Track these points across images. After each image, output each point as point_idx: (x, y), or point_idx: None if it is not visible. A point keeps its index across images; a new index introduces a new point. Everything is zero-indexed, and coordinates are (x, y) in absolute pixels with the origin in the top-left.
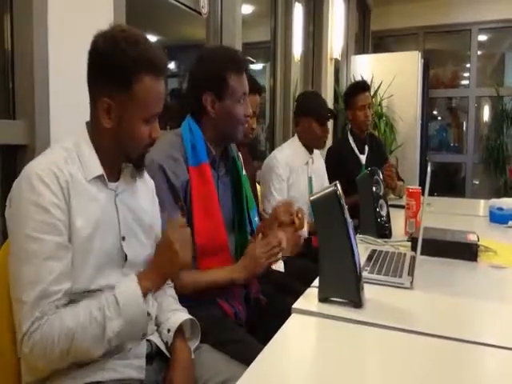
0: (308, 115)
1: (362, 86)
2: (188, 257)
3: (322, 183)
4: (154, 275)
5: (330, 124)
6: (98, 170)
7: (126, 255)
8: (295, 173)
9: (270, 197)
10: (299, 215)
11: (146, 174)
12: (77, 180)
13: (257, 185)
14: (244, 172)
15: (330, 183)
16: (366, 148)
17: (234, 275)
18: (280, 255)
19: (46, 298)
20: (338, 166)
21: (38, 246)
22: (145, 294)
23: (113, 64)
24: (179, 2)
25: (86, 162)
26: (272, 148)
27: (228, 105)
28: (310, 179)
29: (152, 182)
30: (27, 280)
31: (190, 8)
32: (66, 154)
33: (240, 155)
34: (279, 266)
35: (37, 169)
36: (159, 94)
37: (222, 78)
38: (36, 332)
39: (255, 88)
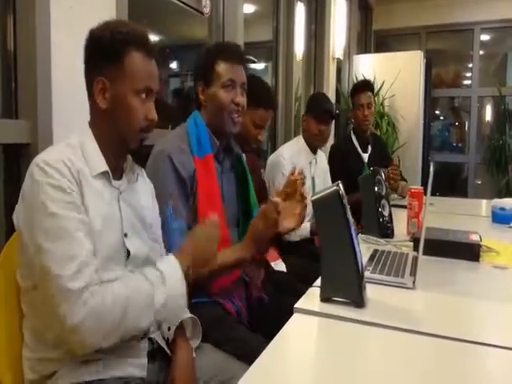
0: (307, 113)
1: (361, 85)
2: (215, 255)
3: (324, 183)
4: (191, 258)
5: (332, 124)
6: (103, 166)
7: (128, 251)
8: None
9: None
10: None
11: (146, 177)
12: (85, 174)
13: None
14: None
15: (333, 180)
16: (369, 147)
17: (241, 254)
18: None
19: (85, 267)
20: (340, 163)
21: (65, 222)
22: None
23: (105, 41)
24: (181, 1)
25: (90, 159)
26: (274, 148)
27: (213, 90)
28: (313, 179)
29: (152, 184)
30: (62, 255)
31: (192, 8)
32: (71, 151)
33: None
34: (281, 266)
35: (47, 159)
36: (150, 71)
37: (209, 64)
38: (89, 299)
39: (269, 103)
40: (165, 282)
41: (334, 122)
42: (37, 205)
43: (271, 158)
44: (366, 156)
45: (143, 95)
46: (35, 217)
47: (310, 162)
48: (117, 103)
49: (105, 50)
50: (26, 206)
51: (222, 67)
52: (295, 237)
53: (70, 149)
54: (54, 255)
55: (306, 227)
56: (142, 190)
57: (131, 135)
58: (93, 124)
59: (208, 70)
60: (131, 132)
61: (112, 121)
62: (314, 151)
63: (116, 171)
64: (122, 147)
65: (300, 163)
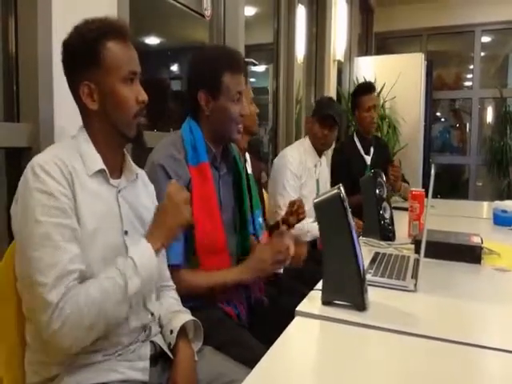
0: (312, 116)
1: (366, 87)
2: (188, 213)
3: (326, 188)
4: (160, 232)
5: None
6: (99, 164)
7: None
8: (306, 173)
9: (284, 192)
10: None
11: (147, 179)
12: (80, 174)
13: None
14: (250, 171)
15: (335, 183)
16: (372, 149)
17: (242, 276)
18: (287, 262)
19: (66, 276)
20: (343, 165)
21: (49, 229)
22: (156, 252)
23: (78, 45)
24: (182, 4)
25: (86, 158)
26: (275, 150)
27: (222, 103)
28: (317, 182)
29: (152, 186)
30: (44, 263)
31: (193, 10)
32: (67, 151)
33: (247, 157)
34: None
35: (40, 161)
36: (129, 55)
37: (215, 76)
38: (65, 307)
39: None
40: (138, 271)
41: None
42: (26, 210)
43: (278, 158)
44: (368, 158)
45: (129, 81)
46: (24, 222)
47: (316, 165)
48: (107, 100)
49: (81, 54)
50: (19, 209)
51: (229, 80)
52: (307, 237)
53: (65, 149)
54: (36, 263)
55: (316, 228)
56: (142, 189)
57: (127, 124)
58: (86, 126)
59: (214, 82)
60: (126, 121)
61: (106, 118)
62: (319, 154)
63: (114, 171)
64: (121, 140)
65: (307, 163)
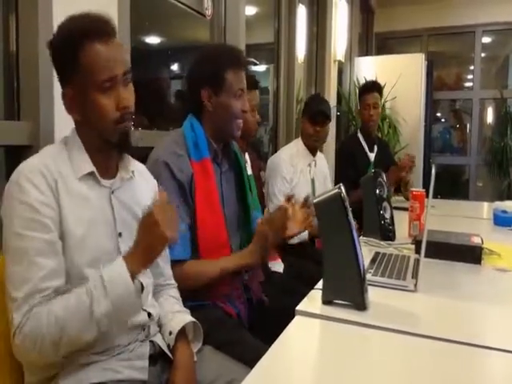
0: (303, 115)
1: (368, 86)
2: (174, 232)
3: (324, 186)
4: (140, 253)
5: (333, 126)
6: (89, 167)
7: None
8: (298, 174)
9: (273, 198)
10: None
11: (148, 173)
12: (67, 179)
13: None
14: (250, 172)
15: (339, 178)
16: (376, 147)
17: (244, 260)
18: (291, 230)
19: (34, 293)
20: (348, 160)
21: (26, 243)
22: (132, 273)
23: (59, 46)
24: (183, 4)
25: (75, 161)
26: (275, 149)
27: (225, 99)
28: (313, 181)
29: (155, 181)
30: (18, 278)
31: (194, 10)
32: (56, 154)
33: (247, 155)
34: (278, 267)
35: (25, 170)
36: (109, 57)
37: (218, 73)
38: (26, 324)
39: (254, 83)
40: (107, 291)
41: (333, 123)
42: (7, 219)
43: (271, 159)
44: (372, 156)
45: (107, 87)
46: (5, 230)
47: (309, 164)
48: (86, 109)
49: (61, 57)
50: (3, 215)
51: (232, 77)
52: (293, 240)
53: (55, 152)
54: (11, 276)
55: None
56: (140, 187)
57: (109, 132)
58: (76, 130)
59: (217, 79)
60: (108, 130)
61: (89, 126)
62: (313, 153)
63: (108, 170)
64: (107, 145)
65: (299, 165)
